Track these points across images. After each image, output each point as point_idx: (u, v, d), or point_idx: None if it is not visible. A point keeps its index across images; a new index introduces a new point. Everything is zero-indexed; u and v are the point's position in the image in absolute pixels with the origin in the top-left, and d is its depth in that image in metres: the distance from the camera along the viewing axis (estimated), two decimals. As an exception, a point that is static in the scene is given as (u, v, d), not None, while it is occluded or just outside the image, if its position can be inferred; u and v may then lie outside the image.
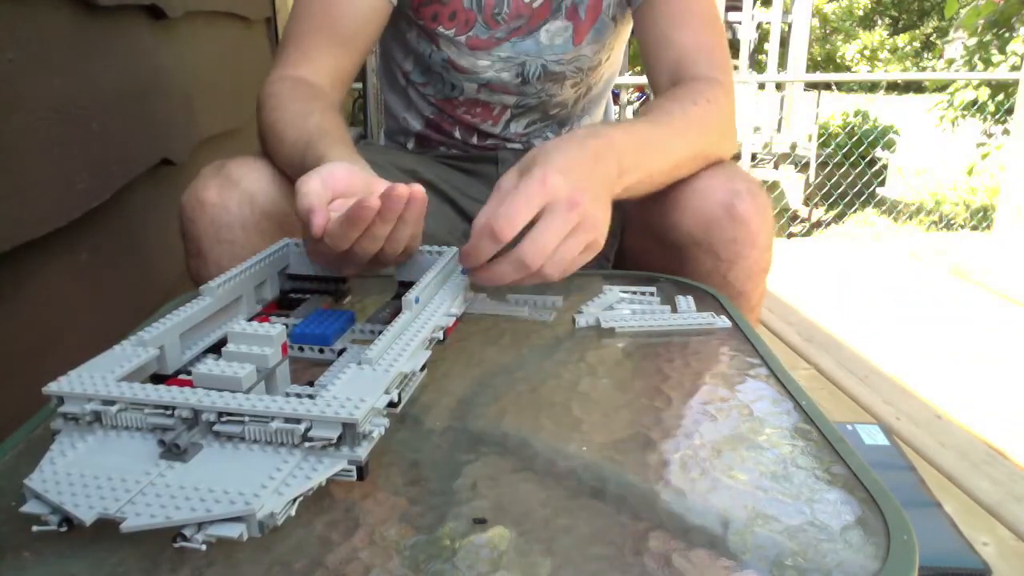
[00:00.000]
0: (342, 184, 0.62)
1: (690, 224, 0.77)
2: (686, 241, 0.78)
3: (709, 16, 0.88)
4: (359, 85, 1.61)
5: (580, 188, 0.58)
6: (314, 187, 0.59)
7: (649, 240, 0.84)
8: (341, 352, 0.57)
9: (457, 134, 1.04)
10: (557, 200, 0.57)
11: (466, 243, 1.09)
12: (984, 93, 4.64)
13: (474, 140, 1.04)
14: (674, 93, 0.81)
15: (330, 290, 0.69)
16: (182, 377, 0.49)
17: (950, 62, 5.04)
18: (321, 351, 0.58)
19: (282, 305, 0.66)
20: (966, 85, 4.75)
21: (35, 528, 0.38)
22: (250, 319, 0.61)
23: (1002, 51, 4.56)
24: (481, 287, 0.67)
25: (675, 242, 0.79)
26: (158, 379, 0.49)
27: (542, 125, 1.04)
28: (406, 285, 0.64)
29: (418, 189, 0.57)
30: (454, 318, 0.57)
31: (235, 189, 0.76)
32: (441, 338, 0.56)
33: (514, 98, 0.99)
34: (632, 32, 1.00)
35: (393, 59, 1.04)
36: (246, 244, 0.75)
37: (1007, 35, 4.55)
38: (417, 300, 0.55)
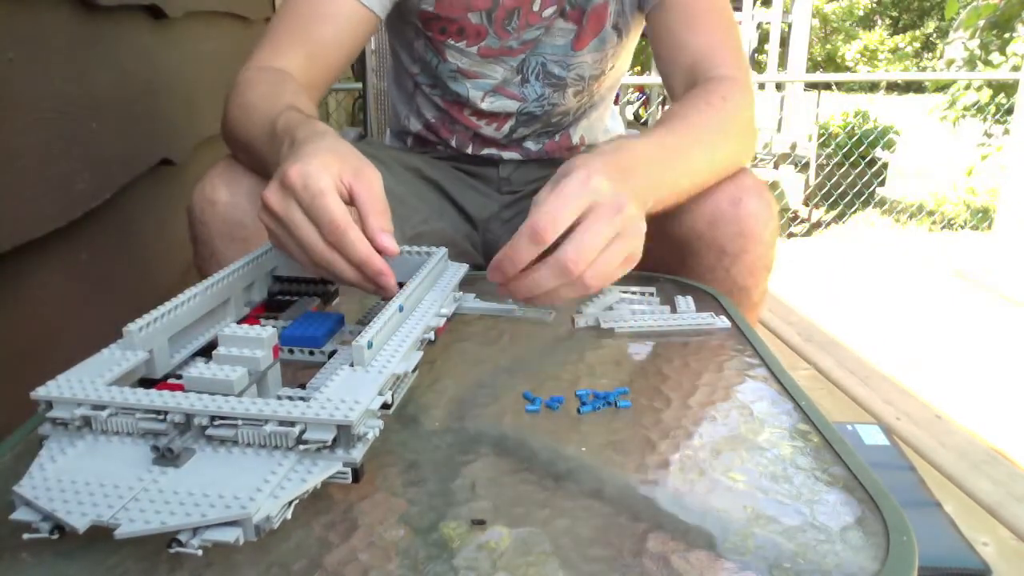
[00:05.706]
0: (346, 175, 0.57)
1: (695, 219, 0.77)
2: (689, 235, 0.78)
3: (722, 15, 0.87)
4: (359, 85, 1.61)
5: (623, 193, 0.55)
6: (337, 205, 0.54)
7: (649, 234, 0.83)
8: (332, 354, 0.57)
9: (454, 142, 1.03)
10: (601, 203, 0.54)
11: (471, 243, 1.08)
12: (985, 95, 4.63)
13: (469, 149, 1.03)
14: (689, 96, 0.80)
15: (318, 292, 0.68)
16: (171, 381, 0.49)
17: (950, 63, 5.03)
18: (312, 353, 0.57)
19: (270, 307, 0.65)
20: (967, 87, 4.74)
21: (26, 536, 0.37)
22: (238, 321, 0.60)
23: (1002, 52, 4.55)
24: (509, 300, 0.63)
25: (678, 236, 0.79)
26: (147, 383, 0.48)
27: (542, 131, 1.03)
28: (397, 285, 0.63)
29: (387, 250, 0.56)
30: (444, 319, 0.57)
31: (243, 185, 0.76)
32: (432, 339, 0.55)
33: (517, 104, 0.99)
34: (644, 36, 0.99)
35: (401, 62, 1.04)
36: (257, 240, 0.74)
37: (1008, 36, 4.54)
38: (401, 309, 0.54)
